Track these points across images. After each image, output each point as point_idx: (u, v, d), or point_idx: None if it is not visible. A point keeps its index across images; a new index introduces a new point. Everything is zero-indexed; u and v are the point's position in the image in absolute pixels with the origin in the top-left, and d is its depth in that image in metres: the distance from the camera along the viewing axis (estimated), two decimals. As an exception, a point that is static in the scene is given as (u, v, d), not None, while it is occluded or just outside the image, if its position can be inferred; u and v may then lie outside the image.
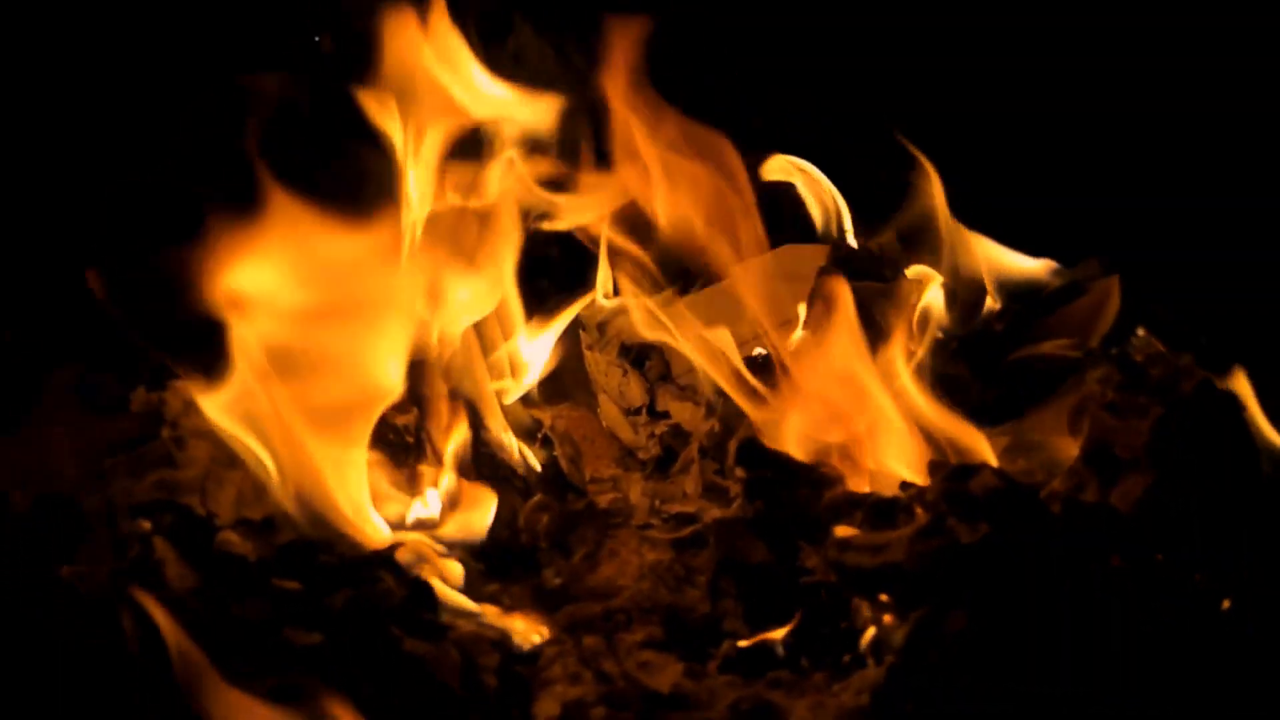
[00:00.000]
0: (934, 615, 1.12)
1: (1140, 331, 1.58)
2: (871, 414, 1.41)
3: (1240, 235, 2.05)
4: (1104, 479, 1.26)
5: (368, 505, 1.31)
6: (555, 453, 1.68)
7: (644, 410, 1.81)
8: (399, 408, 1.51)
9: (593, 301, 1.85)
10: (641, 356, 1.86)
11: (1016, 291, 1.76)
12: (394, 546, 1.27)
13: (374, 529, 1.30)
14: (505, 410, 1.66)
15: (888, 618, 1.20)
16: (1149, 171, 2.14)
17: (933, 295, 1.76)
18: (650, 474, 1.75)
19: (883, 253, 1.88)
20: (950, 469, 1.21)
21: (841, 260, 1.82)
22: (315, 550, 1.22)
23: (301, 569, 1.20)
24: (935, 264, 1.82)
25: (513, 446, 1.60)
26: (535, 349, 1.76)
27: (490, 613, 1.29)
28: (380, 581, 1.19)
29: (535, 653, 1.25)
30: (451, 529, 1.36)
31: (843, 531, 1.25)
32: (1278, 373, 1.43)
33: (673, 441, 1.77)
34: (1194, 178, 2.12)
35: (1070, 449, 1.37)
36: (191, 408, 1.40)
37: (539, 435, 1.69)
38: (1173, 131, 2.14)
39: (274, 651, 1.13)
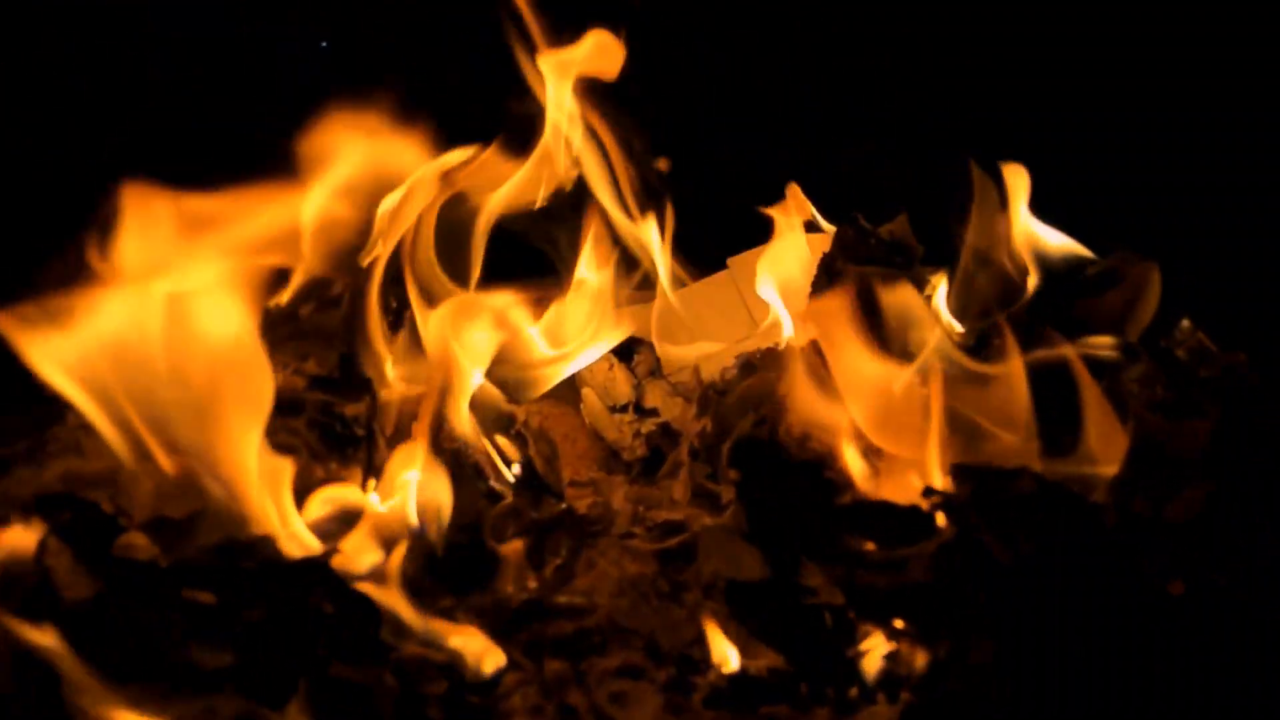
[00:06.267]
0: (959, 646, 0.96)
1: (1184, 324, 1.42)
2: (887, 410, 1.24)
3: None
4: (1155, 489, 1.09)
5: (292, 506, 1.14)
6: (530, 451, 1.56)
7: (630, 407, 1.72)
8: (349, 396, 1.35)
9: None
10: (629, 349, 1.76)
11: (1045, 279, 1.60)
12: (328, 552, 1.10)
13: (302, 531, 1.13)
14: (475, 402, 1.51)
15: (904, 646, 1.04)
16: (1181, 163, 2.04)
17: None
18: (635, 477, 1.65)
19: (894, 238, 1.76)
20: (983, 473, 1.05)
21: (848, 247, 1.68)
22: (235, 556, 1.04)
23: (217, 577, 1.03)
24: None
25: (480, 443, 1.46)
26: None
27: (441, 631, 1.15)
28: (307, 593, 1.02)
29: (492, 680, 1.13)
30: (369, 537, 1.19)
31: (852, 545, 1.08)
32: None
33: (661, 442, 1.67)
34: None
35: (1112, 455, 1.20)
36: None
37: (513, 431, 1.56)
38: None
39: (178, 673, 0.96)
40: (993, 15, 2.14)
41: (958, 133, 2.07)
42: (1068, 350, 1.38)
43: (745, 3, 2.24)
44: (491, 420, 1.53)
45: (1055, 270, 1.60)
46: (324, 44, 1.80)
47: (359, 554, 1.13)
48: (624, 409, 1.71)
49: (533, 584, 1.31)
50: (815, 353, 1.46)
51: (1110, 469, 1.18)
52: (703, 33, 2.19)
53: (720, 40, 2.24)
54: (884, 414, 1.24)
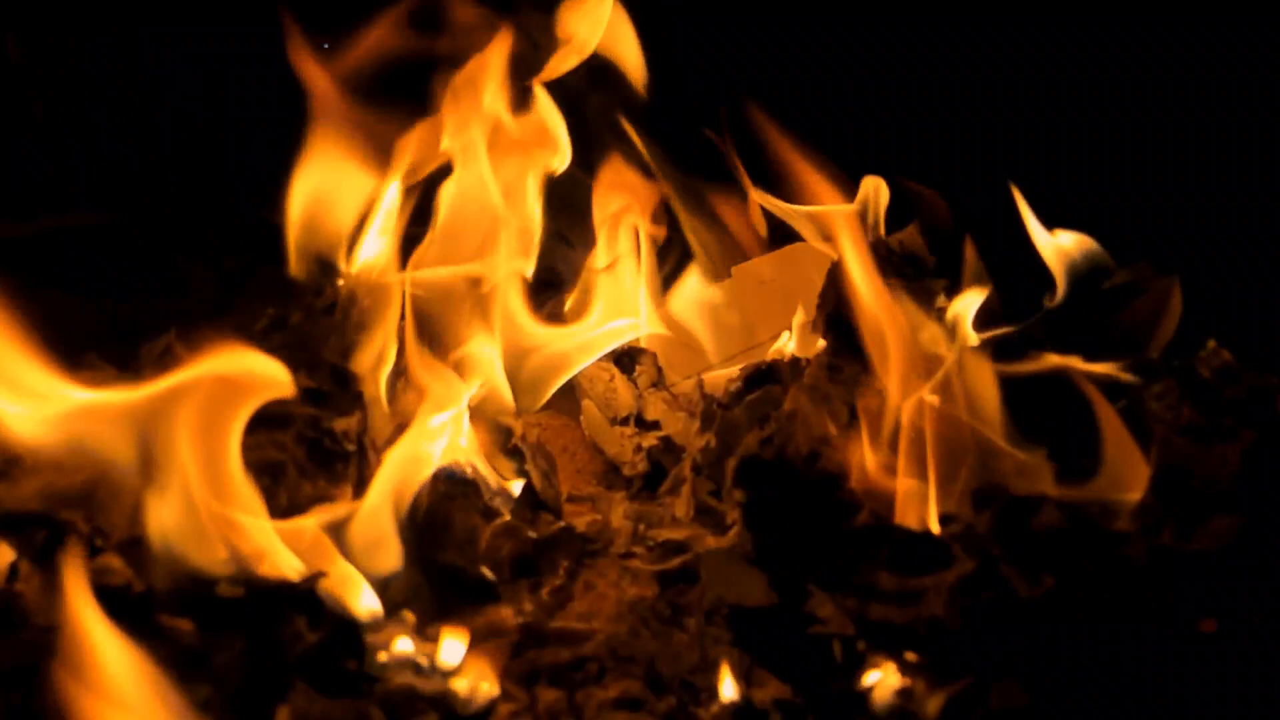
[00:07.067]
0: (979, 687, 0.91)
1: (1210, 344, 1.38)
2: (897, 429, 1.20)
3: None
4: (1183, 518, 1.04)
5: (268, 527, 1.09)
6: (527, 466, 1.52)
7: (631, 420, 1.67)
8: (340, 410, 1.31)
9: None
10: (631, 359, 1.73)
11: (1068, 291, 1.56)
12: (313, 576, 1.05)
13: (280, 554, 1.08)
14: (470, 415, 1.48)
15: (919, 682, 0.99)
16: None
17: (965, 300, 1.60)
18: (636, 493, 1.61)
19: (904, 249, 1.72)
20: (1005, 501, 1.00)
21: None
22: (214, 581, 1.00)
23: (196, 603, 0.98)
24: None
25: (474, 458, 1.42)
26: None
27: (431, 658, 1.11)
28: (287, 621, 0.97)
29: (484, 711, 1.09)
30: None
31: (865, 573, 1.04)
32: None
33: (663, 456, 1.63)
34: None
35: (1135, 481, 1.16)
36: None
37: (509, 445, 1.53)
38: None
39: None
40: (1014, 17, 2.12)
41: (967, 139, 2.04)
42: (1082, 368, 1.34)
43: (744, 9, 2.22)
44: (489, 432, 1.50)
45: (1080, 276, 1.56)
46: (324, 44, 1.77)
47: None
48: (625, 422, 1.67)
49: (528, 607, 1.28)
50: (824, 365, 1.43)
51: (1133, 495, 1.13)
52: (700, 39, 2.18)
53: (719, 47, 2.22)
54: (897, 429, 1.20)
